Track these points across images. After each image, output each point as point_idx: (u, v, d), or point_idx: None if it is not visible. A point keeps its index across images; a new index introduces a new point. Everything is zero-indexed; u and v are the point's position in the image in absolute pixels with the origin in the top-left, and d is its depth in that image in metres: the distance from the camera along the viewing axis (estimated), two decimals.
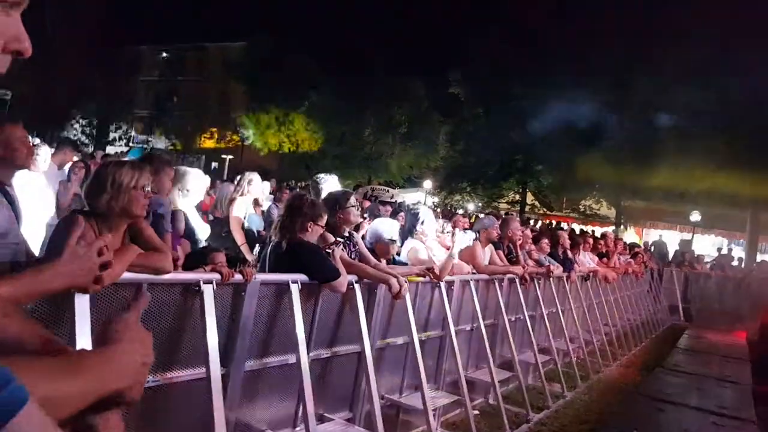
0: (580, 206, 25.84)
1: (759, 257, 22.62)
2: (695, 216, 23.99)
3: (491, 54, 23.31)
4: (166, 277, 2.55)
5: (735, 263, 19.66)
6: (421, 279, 4.46)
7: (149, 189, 2.56)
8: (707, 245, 22.52)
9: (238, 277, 2.91)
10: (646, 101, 20.65)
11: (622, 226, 24.73)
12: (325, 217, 3.67)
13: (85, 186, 2.58)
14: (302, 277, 3.30)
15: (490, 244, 6.04)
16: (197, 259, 3.23)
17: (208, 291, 2.73)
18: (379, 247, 4.38)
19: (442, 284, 4.65)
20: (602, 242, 10.34)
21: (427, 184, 27.26)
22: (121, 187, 2.46)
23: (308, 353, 3.36)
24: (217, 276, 2.80)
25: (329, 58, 27.20)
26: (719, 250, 21.00)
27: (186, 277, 2.78)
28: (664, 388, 4.50)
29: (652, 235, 25.27)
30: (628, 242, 13.86)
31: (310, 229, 3.56)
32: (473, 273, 5.42)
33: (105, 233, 2.42)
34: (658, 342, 10.25)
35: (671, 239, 22.70)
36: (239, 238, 5.05)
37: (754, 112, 18.61)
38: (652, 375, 5.23)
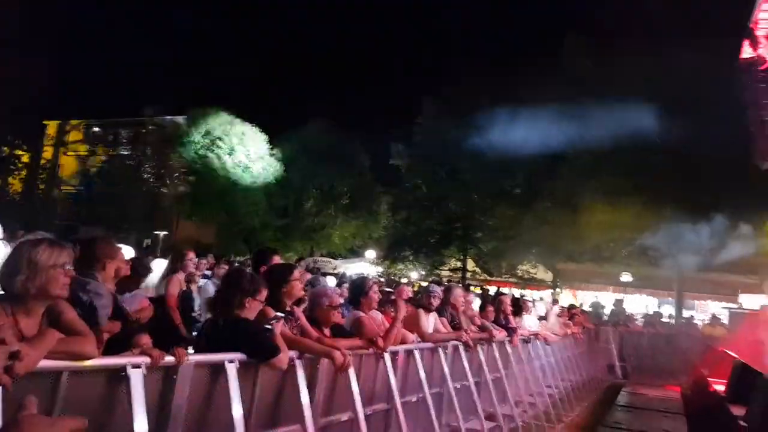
0: (518, 271, 26.57)
1: (686, 314, 23.72)
2: (626, 277, 25.12)
3: (432, 126, 24.39)
4: (89, 363, 2.40)
5: (665, 320, 20.49)
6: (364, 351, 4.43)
7: (70, 267, 2.44)
8: (638, 304, 23.44)
9: (169, 359, 2.76)
10: (576, 171, 21.86)
11: (558, 289, 25.47)
12: (265, 292, 3.62)
13: (1, 267, 2.42)
14: (240, 356, 3.20)
15: (434, 312, 6.09)
16: (120, 342, 3.06)
17: (136, 376, 2.57)
18: (320, 313, 4.33)
19: (386, 355, 4.62)
20: (541, 305, 10.59)
21: (370, 253, 27.37)
22: (37, 266, 2.33)
23: None
24: (146, 359, 2.64)
25: (272, 125, 27.62)
26: (647, 307, 21.89)
27: (111, 363, 2.59)
28: None
29: (586, 296, 26.15)
30: (565, 304, 14.26)
31: (248, 305, 3.50)
32: (418, 341, 5.42)
33: (21, 317, 2.29)
34: (598, 401, 10.42)
35: (605, 299, 23.54)
36: (175, 316, 4.88)
37: (675, 179, 20.07)
38: None
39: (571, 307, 13.95)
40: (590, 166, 21.42)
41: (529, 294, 21.01)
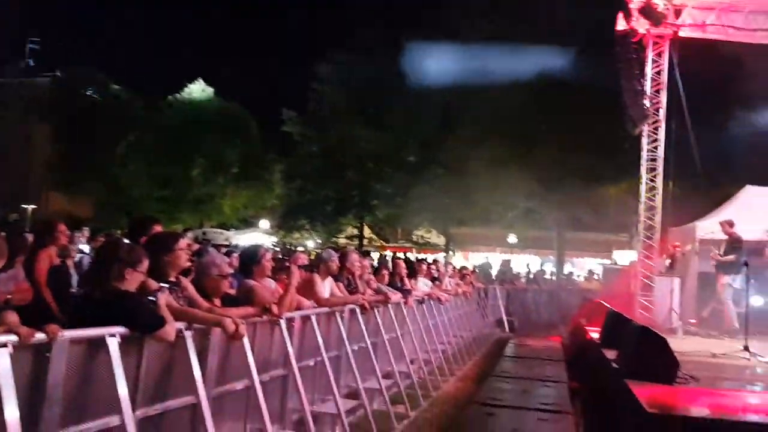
0: (413, 236, 27.36)
1: (566, 271, 25.76)
2: (512, 238, 26.72)
3: (325, 94, 24.02)
4: None
5: (547, 277, 22.06)
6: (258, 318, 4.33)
7: None
8: (523, 264, 25.03)
9: (40, 336, 2.54)
10: (467, 139, 22.56)
11: (451, 252, 26.53)
12: (146, 263, 3.40)
13: None
14: (121, 329, 2.99)
15: (330, 277, 6.09)
16: None
17: (2, 357, 2.34)
18: (209, 283, 4.16)
19: (282, 321, 4.56)
20: (434, 267, 10.95)
21: (264, 223, 26.80)
22: None
23: (134, 412, 3.06)
24: (13, 338, 2.41)
25: (153, 91, 25.86)
26: (528, 266, 23.45)
27: None
28: (495, 394, 4.85)
29: (477, 257, 27.53)
30: (457, 266, 14.91)
31: (128, 277, 3.27)
32: (314, 307, 5.41)
33: None
34: (488, 353, 11.08)
35: (494, 260, 24.92)
36: (45, 293, 4.48)
37: (554, 146, 21.33)
38: (485, 384, 5.60)
39: (463, 268, 14.59)
40: (477, 135, 22.25)
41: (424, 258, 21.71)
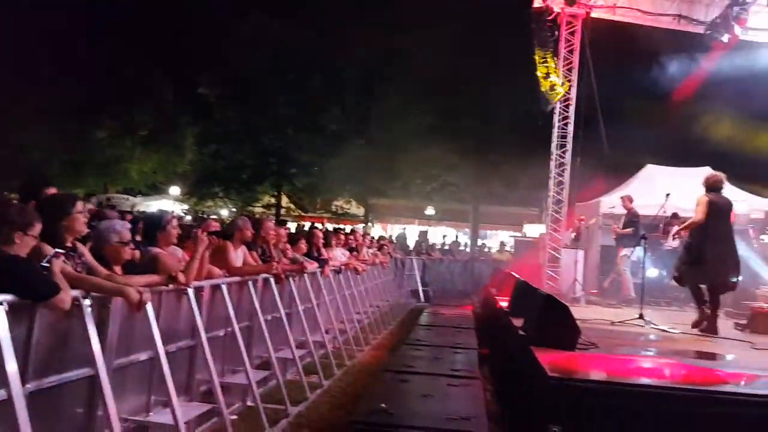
0: (333, 206, 27.21)
1: (480, 243, 26.66)
2: (430, 210, 27.27)
3: (243, 57, 22.99)
4: None
5: (462, 249, 22.74)
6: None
7: None
8: (440, 235, 25.63)
9: None
10: (388, 111, 22.54)
11: (369, 223, 26.66)
12: (38, 226, 3.13)
13: None
14: (8, 297, 2.75)
15: (243, 246, 5.91)
16: None
17: None
18: (109, 251, 3.91)
19: (190, 290, 4.37)
20: (352, 237, 10.95)
21: (174, 190, 25.66)
22: None
23: (24, 385, 2.84)
24: None
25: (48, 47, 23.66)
26: (444, 237, 24.06)
27: None
28: (408, 362, 4.94)
29: (395, 229, 27.91)
30: (375, 237, 15.01)
31: (18, 241, 3.00)
32: (225, 276, 5.24)
33: None
34: (403, 323, 11.30)
35: (411, 231, 25.36)
36: None
37: (476, 124, 21.78)
38: (398, 352, 5.70)
39: (380, 238, 14.71)
40: (399, 107, 22.30)
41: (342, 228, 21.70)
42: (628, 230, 10.32)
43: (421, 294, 15.25)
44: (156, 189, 26.44)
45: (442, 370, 4.67)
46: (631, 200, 10.83)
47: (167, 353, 3.95)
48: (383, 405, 3.45)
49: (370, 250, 11.58)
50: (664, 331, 7.07)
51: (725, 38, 10.92)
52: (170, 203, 23.74)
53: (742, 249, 9.79)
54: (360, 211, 27.39)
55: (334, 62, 22.17)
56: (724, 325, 7.86)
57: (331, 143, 22.81)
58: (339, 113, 23.49)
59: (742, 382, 4.53)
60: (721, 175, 7.49)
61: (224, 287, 4.95)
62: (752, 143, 17.27)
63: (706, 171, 13.38)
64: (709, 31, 11.16)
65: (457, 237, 25.86)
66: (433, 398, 3.85)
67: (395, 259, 13.72)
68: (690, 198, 11.65)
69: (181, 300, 4.44)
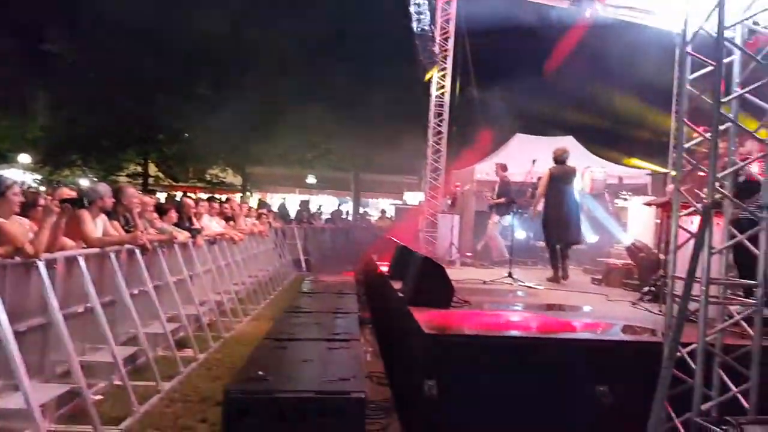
0: (207, 175, 25.94)
1: (362, 211, 26.94)
2: (311, 179, 27.00)
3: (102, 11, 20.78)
4: None
5: (344, 217, 22.82)
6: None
7: None
8: (322, 204, 25.54)
9: None
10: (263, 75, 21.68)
11: (248, 192, 25.82)
12: None
13: None
14: None
15: (103, 215, 5.42)
16: None
17: None
18: None
19: (40, 263, 3.92)
20: (228, 206, 10.49)
21: (24, 158, 23.06)
22: None
23: None
24: None
25: None
26: (320, 207, 24.02)
27: None
28: (288, 329, 4.82)
29: (276, 198, 27.33)
30: (254, 206, 14.56)
31: None
32: (83, 247, 4.78)
33: None
34: (284, 292, 11.14)
35: (293, 200, 24.99)
36: None
37: (354, 90, 21.63)
38: (279, 320, 5.57)
39: (259, 207, 14.30)
40: (275, 72, 21.60)
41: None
42: (501, 200, 10.89)
43: (303, 263, 15.12)
44: (3, 157, 23.57)
45: (323, 335, 4.62)
46: (504, 168, 11.37)
47: (16, 333, 3.56)
48: (260, 372, 3.32)
49: (249, 220, 11.20)
50: (530, 287, 7.57)
51: (588, 13, 11.65)
52: (19, 173, 21.30)
53: (600, 212, 10.74)
54: (237, 180, 26.42)
55: (200, 21, 20.66)
56: (583, 280, 8.63)
57: (202, 108, 21.48)
58: (210, 77, 22.26)
59: (598, 331, 4.94)
60: (564, 148, 8.68)
61: (81, 259, 4.51)
62: (611, 115, 18.87)
63: (570, 140, 14.55)
64: (573, 6, 11.83)
65: (339, 205, 25.91)
66: (312, 362, 3.78)
67: (276, 228, 13.42)
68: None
69: (31, 274, 3.98)
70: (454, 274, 6.12)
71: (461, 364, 3.90)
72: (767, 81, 3.62)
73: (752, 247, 3.46)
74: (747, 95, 3.72)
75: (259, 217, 12.22)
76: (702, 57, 4.01)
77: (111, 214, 5.64)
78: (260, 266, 10.68)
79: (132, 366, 5.17)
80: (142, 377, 5.02)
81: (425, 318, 4.44)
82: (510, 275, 7.99)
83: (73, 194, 5.19)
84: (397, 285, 6.42)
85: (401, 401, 4.77)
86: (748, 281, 3.55)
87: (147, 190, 18.68)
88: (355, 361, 3.88)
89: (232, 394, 3.07)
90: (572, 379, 3.86)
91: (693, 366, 3.37)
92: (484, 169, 13.23)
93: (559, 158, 8.38)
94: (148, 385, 4.87)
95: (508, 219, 10.48)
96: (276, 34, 20.74)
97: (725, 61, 3.69)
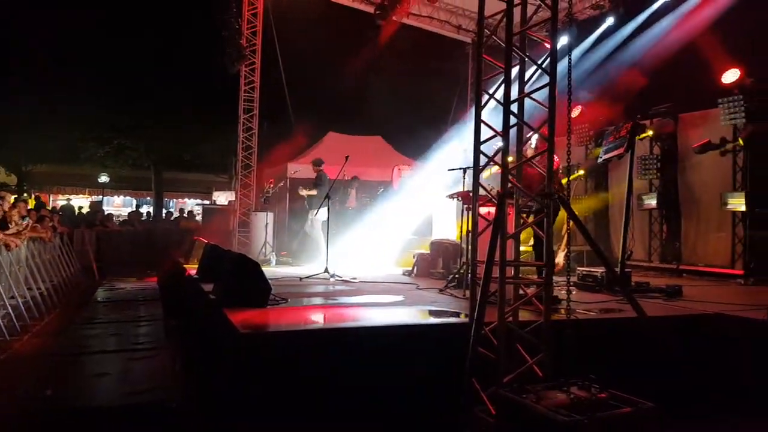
0: None
1: (165, 211, 25.06)
2: (104, 178, 24.45)
3: None
4: None
5: (144, 218, 21.08)
6: None
7: None
8: (118, 205, 23.31)
9: None
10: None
11: (25, 194, 22.58)
12: None
13: None
14: None
15: None
16: None
17: None
18: None
19: None
20: None
21: None
22: None
23: None
24: None
25: None
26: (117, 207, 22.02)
27: None
28: (79, 342, 4.24)
29: (60, 200, 24.31)
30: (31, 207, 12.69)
31: None
32: None
33: None
34: (73, 303, 9.85)
35: (82, 202, 22.41)
36: None
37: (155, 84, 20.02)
38: (67, 334, 4.87)
39: (40, 208, 12.55)
40: (57, 58, 19.19)
41: None
42: (313, 192, 10.85)
43: (96, 270, 13.59)
44: None
45: (123, 346, 4.14)
46: (319, 164, 11.39)
47: None
48: (48, 391, 2.85)
49: (27, 223, 9.70)
50: (346, 281, 7.67)
51: (388, 20, 12.20)
52: None
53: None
54: (12, 179, 22.98)
55: None
56: (397, 271, 9.02)
57: None
58: None
59: (410, 316, 5.15)
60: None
61: None
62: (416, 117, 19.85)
63: (378, 140, 15.11)
64: (376, 12, 12.30)
65: (138, 206, 23.85)
66: (109, 376, 3.35)
67: (61, 233, 11.85)
68: (365, 161, 12.92)
69: None
70: (270, 272, 5.94)
71: (279, 361, 3.77)
72: (547, 84, 4.06)
73: (539, 231, 3.87)
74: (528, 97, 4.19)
75: (40, 220, 10.67)
76: (494, 61, 4.42)
77: None
78: (43, 276, 9.31)
79: None
80: None
81: (240, 318, 4.23)
82: (326, 270, 8.02)
83: None
84: (207, 287, 6.04)
85: (214, 407, 4.48)
86: (538, 262, 3.97)
87: None
88: (163, 371, 3.54)
89: (13, 417, 2.57)
90: (388, 365, 3.94)
91: (495, 342, 3.66)
92: (297, 167, 13.15)
93: None
94: None
95: (324, 213, 10.51)
96: (57, 16, 18.42)
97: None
